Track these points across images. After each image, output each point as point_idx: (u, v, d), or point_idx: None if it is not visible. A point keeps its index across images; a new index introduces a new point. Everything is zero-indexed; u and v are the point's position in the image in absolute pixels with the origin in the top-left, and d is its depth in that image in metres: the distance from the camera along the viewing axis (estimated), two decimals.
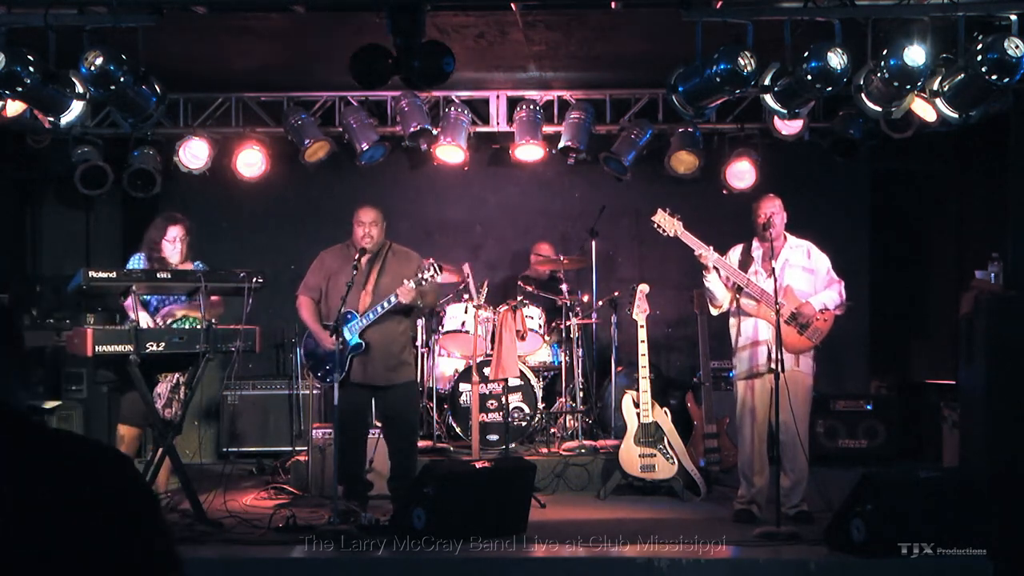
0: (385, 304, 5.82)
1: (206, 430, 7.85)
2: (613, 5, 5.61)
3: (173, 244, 6.12)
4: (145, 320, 5.84)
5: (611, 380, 7.84)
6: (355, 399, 5.95)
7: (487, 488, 5.26)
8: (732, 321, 6.03)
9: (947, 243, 8.59)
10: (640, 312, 6.56)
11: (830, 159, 7.92)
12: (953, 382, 7.21)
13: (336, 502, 5.46)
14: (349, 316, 5.88)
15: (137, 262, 6.14)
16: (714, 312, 6.12)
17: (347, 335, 5.84)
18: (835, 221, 8.40)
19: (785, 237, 5.95)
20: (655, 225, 5.85)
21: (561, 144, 7.88)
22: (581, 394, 7.63)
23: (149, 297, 6.08)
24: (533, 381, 7.45)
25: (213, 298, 6.02)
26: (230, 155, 8.07)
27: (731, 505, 6.02)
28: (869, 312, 8.64)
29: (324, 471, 6.54)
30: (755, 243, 5.94)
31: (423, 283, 5.77)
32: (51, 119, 5.82)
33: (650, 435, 6.54)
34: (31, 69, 5.32)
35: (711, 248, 5.79)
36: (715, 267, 5.81)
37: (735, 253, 5.99)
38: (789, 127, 7.63)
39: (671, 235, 5.82)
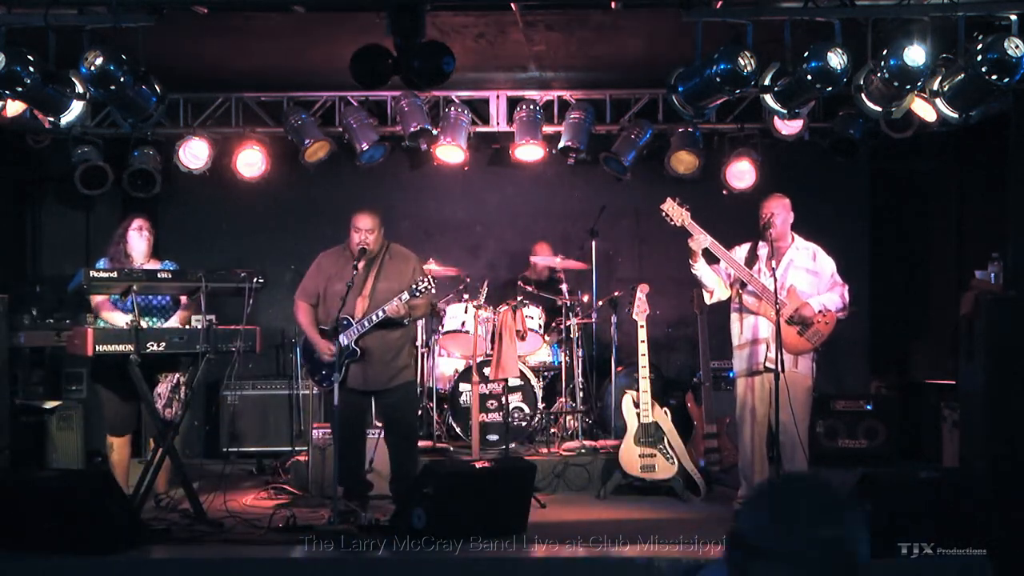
0: (375, 317, 5.81)
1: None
2: (613, 5, 5.61)
3: (131, 241, 6.20)
4: (123, 321, 5.83)
5: (611, 380, 7.84)
6: (353, 401, 5.94)
7: (487, 488, 5.26)
8: (734, 317, 6.03)
9: (947, 243, 8.57)
10: (640, 312, 6.56)
11: (830, 159, 7.92)
12: (953, 382, 7.20)
13: (336, 502, 5.46)
14: (345, 322, 5.86)
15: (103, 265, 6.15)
16: (708, 300, 6.10)
17: (343, 341, 5.83)
18: (835, 221, 8.38)
19: (793, 238, 5.94)
20: (663, 214, 5.84)
21: (561, 144, 7.88)
22: (581, 394, 7.63)
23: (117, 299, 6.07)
24: (533, 381, 7.44)
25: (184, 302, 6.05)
26: (230, 155, 8.06)
27: (731, 505, 6.03)
28: (869, 312, 8.63)
29: (324, 471, 6.53)
30: (762, 243, 5.93)
31: (417, 294, 5.75)
32: (51, 119, 5.82)
33: (650, 435, 6.54)
34: (31, 69, 5.32)
35: (708, 235, 5.78)
36: (707, 251, 5.78)
37: (742, 251, 6.00)
38: (789, 127, 7.62)
39: (678, 224, 5.80)
